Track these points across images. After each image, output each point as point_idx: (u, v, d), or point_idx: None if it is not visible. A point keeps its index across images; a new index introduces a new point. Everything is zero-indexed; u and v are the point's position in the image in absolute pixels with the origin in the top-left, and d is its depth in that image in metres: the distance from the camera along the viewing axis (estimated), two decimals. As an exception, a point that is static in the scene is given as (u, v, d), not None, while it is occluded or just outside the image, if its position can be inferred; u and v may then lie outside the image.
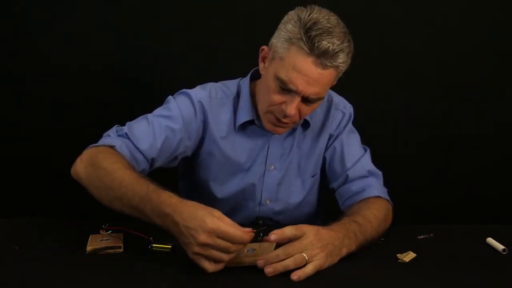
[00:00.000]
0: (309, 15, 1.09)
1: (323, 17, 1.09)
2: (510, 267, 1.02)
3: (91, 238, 1.07)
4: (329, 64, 1.09)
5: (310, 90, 1.12)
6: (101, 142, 1.16)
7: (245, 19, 1.96)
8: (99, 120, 1.99)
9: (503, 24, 2.01)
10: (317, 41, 1.06)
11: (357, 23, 1.93)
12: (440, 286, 0.94)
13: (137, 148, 1.16)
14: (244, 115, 1.28)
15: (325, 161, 1.36)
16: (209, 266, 0.91)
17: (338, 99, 1.39)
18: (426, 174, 2.12)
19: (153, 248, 1.04)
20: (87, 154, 1.12)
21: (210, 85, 1.32)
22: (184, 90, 1.30)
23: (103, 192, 1.03)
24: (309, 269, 0.93)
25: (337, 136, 1.35)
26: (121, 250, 1.04)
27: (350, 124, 1.38)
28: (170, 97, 1.29)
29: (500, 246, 1.10)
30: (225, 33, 1.97)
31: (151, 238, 1.05)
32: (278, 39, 1.13)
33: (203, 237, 0.87)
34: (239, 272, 0.95)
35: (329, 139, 1.36)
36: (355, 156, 1.33)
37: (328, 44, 1.06)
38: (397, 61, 2.04)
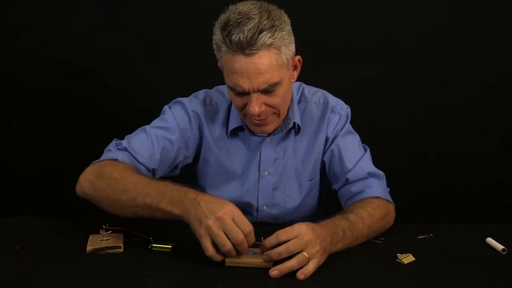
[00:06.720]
0: (223, 17, 1.09)
1: (234, 12, 1.08)
2: (509, 267, 1.02)
3: (91, 238, 1.07)
4: (250, 51, 1.07)
5: (256, 83, 1.10)
6: (103, 157, 1.18)
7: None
8: (98, 123, 2.01)
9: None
10: (229, 38, 1.06)
11: (359, 23, 1.95)
12: (440, 286, 0.94)
13: (137, 160, 1.19)
14: (234, 122, 1.28)
15: (324, 164, 1.35)
16: (211, 249, 0.94)
17: (334, 101, 1.36)
18: (426, 174, 2.12)
19: (153, 248, 1.04)
20: (91, 170, 1.14)
21: (204, 93, 1.33)
22: (178, 99, 1.31)
23: (114, 199, 1.06)
24: (311, 267, 0.94)
25: (334, 139, 1.33)
26: (121, 250, 1.04)
27: (348, 125, 1.35)
28: (166, 107, 1.30)
29: (499, 246, 1.10)
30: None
31: (151, 238, 1.05)
32: (215, 51, 1.15)
33: (221, 213, 0.94)
34: (239, 272, 0.95)
35: (326, 142, 1.34)
36: (354, 158, 1.31)
37: (238, 35, 1.05)
38: (402, 61, 2.04)
